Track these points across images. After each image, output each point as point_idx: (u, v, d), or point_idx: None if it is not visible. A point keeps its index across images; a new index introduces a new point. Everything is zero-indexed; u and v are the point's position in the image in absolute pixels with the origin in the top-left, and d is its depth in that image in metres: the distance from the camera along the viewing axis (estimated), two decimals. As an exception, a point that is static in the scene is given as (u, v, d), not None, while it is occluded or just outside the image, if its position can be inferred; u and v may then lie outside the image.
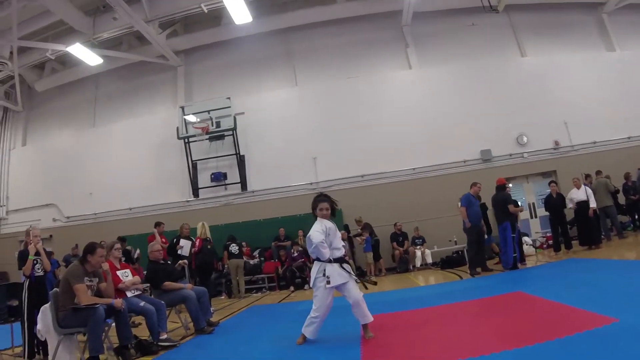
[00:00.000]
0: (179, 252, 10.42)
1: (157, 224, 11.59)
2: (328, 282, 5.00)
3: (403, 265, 13.83)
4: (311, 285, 5.22)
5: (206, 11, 14.63)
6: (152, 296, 6.87)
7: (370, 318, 5.07)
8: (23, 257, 6.76)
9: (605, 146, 15.43)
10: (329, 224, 5.17)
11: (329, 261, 5.04)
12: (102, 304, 5.27)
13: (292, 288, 12.91)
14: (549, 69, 16.13)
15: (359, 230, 13.94)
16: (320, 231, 5.06)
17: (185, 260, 10.15)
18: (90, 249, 5.62)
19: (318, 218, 5.23)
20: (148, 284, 7.52)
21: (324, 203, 5.29)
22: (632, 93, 16.00)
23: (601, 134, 15.48)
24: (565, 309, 5.14)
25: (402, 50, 16.55)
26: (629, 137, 15.47)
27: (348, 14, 16.14)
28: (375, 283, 5.38)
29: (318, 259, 5.09)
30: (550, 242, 12.82)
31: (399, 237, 14.03)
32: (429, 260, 13.85)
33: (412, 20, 16.20)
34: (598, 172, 13.26)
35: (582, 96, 15.82)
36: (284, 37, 16.71)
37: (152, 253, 7.38)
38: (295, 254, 13.28)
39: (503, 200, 10.60)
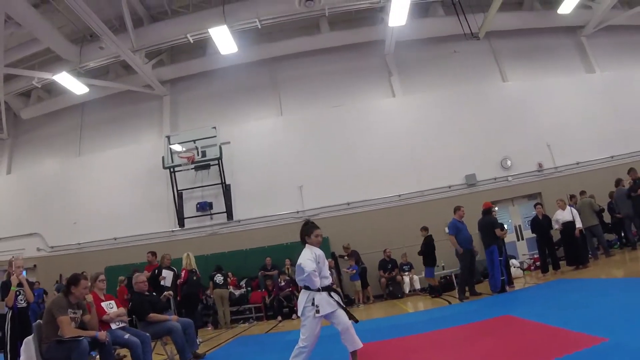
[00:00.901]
0: (161, 282, 10.30)
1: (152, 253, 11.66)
2: (317, 312, 4.88)
3: (396, 291, 13.71)
4: (299, 314, 5.07)
5: (192, 41, 14.86)
6: (137, 328, 6.74)
7: (359, 344, 4.98)
8: (5, 288, 6.66)
9: (588, 166, 15.65)
10: (318, 251, 5.09)
11: (318, 290, 4.95)
12: (86, 336, 5.19)
13: (279, 318, 12.79)
14: (530, 93, 16.46)
15: (346, 257, 13.89)
16: (311, 259, 4.95)
17: (171, 292, 10.06)
18: (74, 280, 5.57)
19: (307, 245, 5.14)
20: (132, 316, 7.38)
21: (319, 230, 5.22)
22: (613, 113, 16.43)
23: (584, 154, 15.74)
24: (555, 330, 5.13)
25: (386, 79, 16.80)
26: (611, 157, 15.71)
27: (332, 43, 16.38)
28: (356, 321, 5.25)
29: (307, 288, 4.99)
30: (538, 263, 12.85)
31: (387, 264, 13.95)
32: (417, 285, 13.80)
33: (394, 49, 16.50)
34: (582, 192, 13.42)
35: (564, 118, 16.13)
36: (270, 67, 16.90)
37: (137, 284, 7.32)
38: (283, 283, 13.19)
39: (489, 224, 10.66)
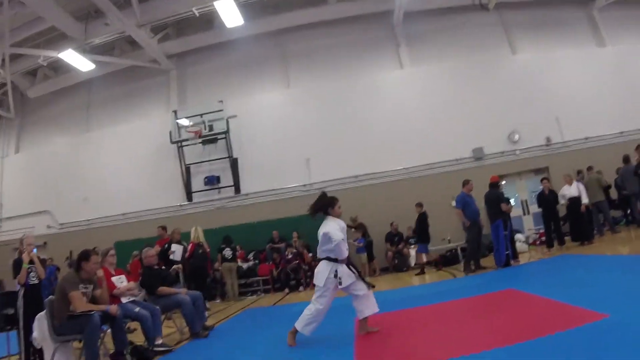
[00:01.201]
0: (170, 257, 10.49)
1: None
2: (340, 283, 5.04)
3: (402, 264, 13.85)
4: (319, 284, 5.15)
5: (198, 15, 14.70)
6: (147, 301, 6.88)
7: (377, 308, 5.20)
8: (17, 265, 6.77)
9: (597, 142, 15.43)
10: (342, 222, 5.24)
11: (342, 261, 5.08)
12: (97, 311, 5.29)
13: (287, 290, 12.96)
14: (540, 66, 16.18)
15: (353, 229, 13.96)
16: (339, 229, 5.10)
17: (180, 265, 10.24)
18: (84, 256, 5.66)
19: (330, 217, 5.24)
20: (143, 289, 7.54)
21: (339, 202, 5.36)
22: (624, 88, 16.09)
23: (593, 129, 15.51)
24: (557, 305, 5.20)
25: (394, 50, 16.59)
26: (621, 132, 15.46)
27: (340, 14, 16.18)
28: (373, 286, 5.39)
29: (328, 258, 5.09)
30: (543, 238, 12.87)
31: (394, 237, 14.06)
32: (424, 259, 13.89)
33: (403, 20, 16.20)
34: (589, 168, 13.38)
35: (573, 92, 15.90)
36: (276, 39, 16.74)
37: (147, 258, 7.45)
38: (290, 256, 13.34)
39: (496, 198, 10.64)
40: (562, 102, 15.73)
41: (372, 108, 15.74)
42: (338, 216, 5.28)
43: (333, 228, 5.09)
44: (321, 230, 5.18)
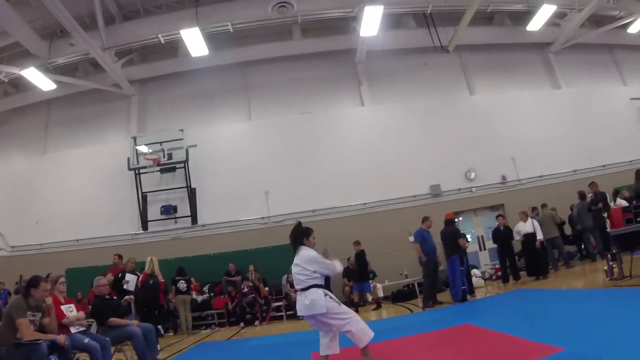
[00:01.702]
0: (124, 287, 10.11)
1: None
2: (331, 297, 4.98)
3: (359, 299, 13.75)
4: (322, 310, 4.88)
5: (163, 42, 14.69)
6: (97, 332, 6.62)
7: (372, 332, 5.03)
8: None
9: (551, 180, 16.13)
10: (316, 253, 5.18)
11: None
12: (44, 340, 5.10)
13: (242, 324, 12.67)
14: (497, 107, 16.88)
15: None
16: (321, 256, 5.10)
17: (132, 296, 9.88)
18: (34, 282, 5.48)
19: (305, 247, 5.19)
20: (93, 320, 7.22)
21: (314, 232, 5.36)
22: (577, 128, 16.98)
23: (547, 168, 16.21)
24: (513, 339, 5.21)
25: (356, 88, 16.94)
26: (574, 171, 16.24)
27: (304, 50, 16.46)
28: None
29: (315, 285, 4.95)
30: (499, 273, 13.11)
31: (351, 272, 13.93)
32: (380, 294, 13.83)
33: (365, 59, 16.67)
34: (544, 205, 13.78)
35: (529, 132, 16.60)
36: (240, 71, 16.79)
37: (98, 288, 7.17)
38: (246, 290, 13.06)
39: (453, 234, 10.87)
40: (518, 141, 16.35)
41: (333, 143, 15.90)
42: (312, 247, 5.22)
43: (320, 258, 5.07)
44: (301, 260, 5.08)
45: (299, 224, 5.44)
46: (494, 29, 17.60)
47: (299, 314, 5.21)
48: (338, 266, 5.11)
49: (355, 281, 12.69)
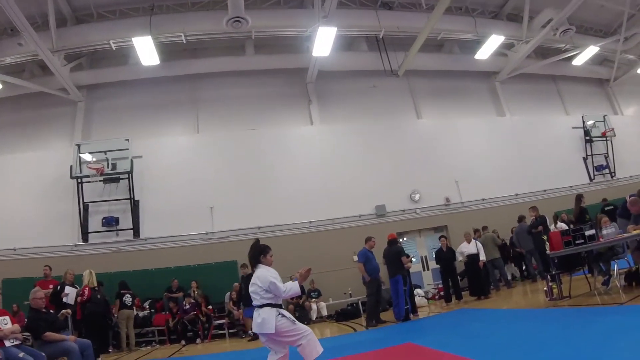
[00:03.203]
0: (63, 299, 9.89)
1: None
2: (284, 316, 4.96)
3: (303, 317, 13.74)
4: (271, 330, 4.88)
5: (114, 48, 14.36)
6: (33, 347, 6.47)
7: (321, 348, 5.03)
8: None
9: (493, 202, 16.77)
10: (274, 271, 5.17)
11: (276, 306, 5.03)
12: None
13: (183, 342, 12.45)
14: (443, 131, 17.42)
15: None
16: (278, 277, 5.07)
17: (69, 310, 9.61)
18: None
19: (262, 265, 5.18)
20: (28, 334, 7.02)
21: (271, 250, 5.34)
22: (520, 154, 17.83)
23: (490, 191, 16.83)
24: (453, 358, 5.40)
25: (305, 106, 17.05)
26: (516, 194, 16.98)
27: (256, 66, 16.47)
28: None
29: (270, 304, 4.96)
30: (442, 293, 13.51)
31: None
32: (325, 312, 13.94)
33: (316, 78, 16.87)
34: (484, 228, 14.36)
35: (473, 156, 17.21)
36: (190, 83, 16.58)
37: (34, 300, 6.99)
38: (188, 307, 12.81)
39: (396, 253, 11.10)
40: (462, 165, 16.93)
41: (280, 161, 15.89)
42: (269, 264, 5.24)
43: (273, 276, 5.04)
44: (257, 278, 5.07)
45: (257, 241, 5.44)
46: (443, 56, 18.22)
47: (253, 330, 5.25)
48: (290, 290, 5.06)
49: (245, 306, 11.96)
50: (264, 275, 5.03)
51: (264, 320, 4.92)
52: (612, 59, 20.28)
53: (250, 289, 5.12)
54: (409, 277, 11.32)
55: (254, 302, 5.07)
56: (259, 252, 5.27)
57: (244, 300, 11.71)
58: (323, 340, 10.26)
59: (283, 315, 4.94)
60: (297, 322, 5.04)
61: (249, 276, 11.51)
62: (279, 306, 5.05)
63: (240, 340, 12.10)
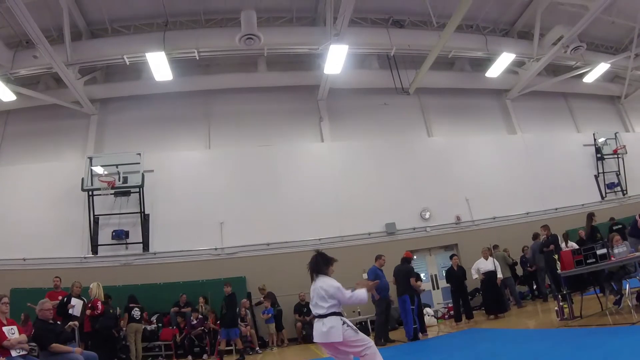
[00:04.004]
0: (70, 311, 9.88)
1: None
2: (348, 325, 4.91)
3: (311, 335, 13.61)
4: (340, 339, 4.81)
5: (128, 63, 14.51)
6: (39, 357, 6.49)
7: None
8: None
9: (504, 221, 16.65)
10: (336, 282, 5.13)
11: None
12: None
13: (189, 357, 12.41)
14: (453, 149, 17.41)
15: (261, 298, 13.78)
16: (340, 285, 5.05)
17: (76, 322, 9.61)
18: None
19: (326, 275, 5.14)
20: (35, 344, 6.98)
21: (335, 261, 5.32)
22: (531, 172, 17.74)
23: (501, 209, 16.73)
24: None
25: (316, 123, 17.11)
26: (527, 213, 16.85)
27: (268, 83, 16.64)
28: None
29: (334, 314, 4.91)
30: (452, 312, 13.39)
31: (303, 307, 13.89)
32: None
33: (328, 96, 16.97)
34: (495, 246, 14.20)
35: (484, 174, 17.14)
36: (203, 99, 16.70)
37: (42, 312, 7.01)
38: (195, 322, 12.79)
39: (406, 272, 11.07)
40: (473, 183, 16.87)
41: (290, 177, 15.93)
42: (331, 275, 5.19)
43: (337, 284, 5.00)
44: (322, 287, 5.00)
45: (320, 252, 5.40)
46: (454, 74, 18.26)
47: (315, 340, 5.11)
48: (355, 296, 4.98)
49: (222, 327, 11.76)
50: (328, 283, 5.00)
51: (331, 329, 4.85)
52: (623, 76, 20.21)
53: (313, 299, 5.09)
54: (418, 296, 11.27)
55: (317, 311, 5.02)
56: (324, 262, 5.24)
57: (225, 320, 11.64)
58: (330, 358, 10.29)
59: (347, 324, 4.90)
60: (359, 332, 4.97)
61: (231, 296, 11.48)
62: (342, 315, 4.99)
63: (248, 357, 12.08)
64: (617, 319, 7.49)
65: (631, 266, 8.17)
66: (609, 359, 5.06)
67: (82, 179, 14.65)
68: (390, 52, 15.57)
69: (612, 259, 8.10)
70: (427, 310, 13.35)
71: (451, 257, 13.29)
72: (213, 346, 12.71)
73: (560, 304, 8.71)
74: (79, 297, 10.45)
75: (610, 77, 21.07)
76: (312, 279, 5.22)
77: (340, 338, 4.82)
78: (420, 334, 10.76)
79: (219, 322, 12.53)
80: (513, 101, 19.13)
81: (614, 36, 18.96)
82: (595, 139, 19.15)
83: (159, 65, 13.87)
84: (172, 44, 13.94)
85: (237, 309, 12.26)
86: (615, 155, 19.25)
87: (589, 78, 18.81)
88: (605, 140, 19.23)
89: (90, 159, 15.02)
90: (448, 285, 13.41)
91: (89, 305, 10.39)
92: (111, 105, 16.75)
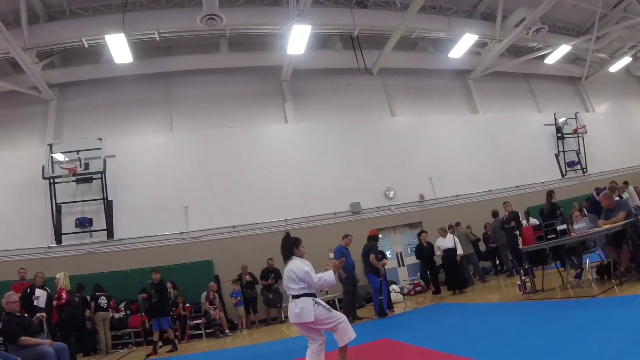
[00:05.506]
0: (34, 303, 9.64)
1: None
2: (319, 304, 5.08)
3: (276, 301, 13.56)
4: (311, 319, 4.99)
5: (87, 46, 14.08)
6: (8, 351, 6.39)
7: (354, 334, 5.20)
8: None
9: (467, 199, 17.05)
10: (308, 263, 5.24)
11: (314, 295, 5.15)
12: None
13: (160, 343, 12.27)
14: (416, 129, 17.66)
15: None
16: (311, 268, 5.16)
17: (44, 314, 9.43)
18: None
19: (296, 257, 5.24)
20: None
21: (302, 242, 5.42)
22: (493, 151, 18.19)
23: (463, 187, 17.09)
24: (429, 353, 5.50)
25: (280, 104, 17.02)
26: (489, 191, 17.31)
27: (230, 64, 16.43)
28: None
29: (305, 294, 5.05)
30: (418, 288, 14.24)
31: (270, 273, 13.80)
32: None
33: (291, 76, 16.85)
34: (457, 224, 14.65)
35: (447, 154, 17.44)
36: (164, 82, 16.39)
37: (8, 304, 6.90)
38: (164, 307, 12.69)
39: (367, 249, 11.19)
40: (436, 162, 17.18)
41: (255, 159, 15.85)
42: (302, 256, 5.31)
43: (308, 267, 5.12)
44: (293, 270, 5.12)
45: (288, 234, 5.51)
46: (418, 54, 18.41)
47: (290, 320, 5.28)
48: (323, 279, 5.09)
49: (153, 317, 11.30)
50: (298, 266, 5.12)
51: (303, 309, 5.02)
52: (584, 58, 20.78)
53: (285, 281, 5.23)
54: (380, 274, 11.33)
55: (291, 293, 5.16)
56: (291, 245, 5.36)
57: (155, 309, 11.17)
58: (298, 338, 10.33)
59: (319, 304, 5.07)
60: (332, 310, 5.16)
61: (160, 282, 11.26)
62: (314, 295, 5.14)
63: (217, 340, 12.10)
64: (579, 292, 7.78)
65: (590, 241, 8.46)
66: (572, 329, 5.24)
67: (43, 167, 14.23)
68: (353, 33, 15.50)
69: (572, 234, 8.37)
70: (393, 287, 13.59)
71: (419, 234, 13.51)
72: (184, 331, 12.70)
73: (523, 278, 8.93)
74: (42, 287, 10.22)
75: (572, 58, 21.61)
76: (284, 261, 5.34)
77: (312, 318, 5.01)
78: (387, 310, 10.90)
79: (144, 312, 12.47)
80: (475, 82, 19.43)
81: (576, 19, 19.35)
82: (555, 119, 19.68)
83: (119, 48, 13.48)
84: (132, 26, 13.57)
85: (169, 296, 11.95)
86: (576, 135, 19.86)
87: (551, 59, 19.22)
88: (566, 120, 19.77)
89: (50, 146, 14.57)
90: (412, 262, 13.92)
91: (56, 295, 10.25)
92: (70, 90, 16.21)
